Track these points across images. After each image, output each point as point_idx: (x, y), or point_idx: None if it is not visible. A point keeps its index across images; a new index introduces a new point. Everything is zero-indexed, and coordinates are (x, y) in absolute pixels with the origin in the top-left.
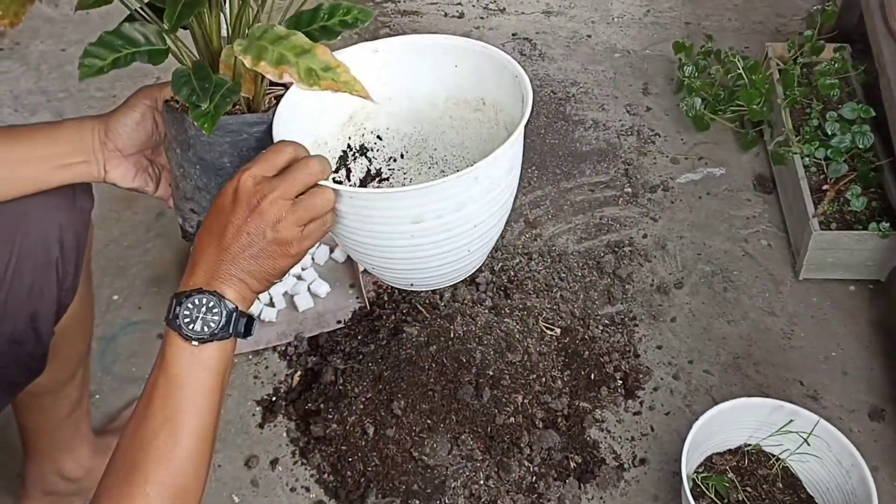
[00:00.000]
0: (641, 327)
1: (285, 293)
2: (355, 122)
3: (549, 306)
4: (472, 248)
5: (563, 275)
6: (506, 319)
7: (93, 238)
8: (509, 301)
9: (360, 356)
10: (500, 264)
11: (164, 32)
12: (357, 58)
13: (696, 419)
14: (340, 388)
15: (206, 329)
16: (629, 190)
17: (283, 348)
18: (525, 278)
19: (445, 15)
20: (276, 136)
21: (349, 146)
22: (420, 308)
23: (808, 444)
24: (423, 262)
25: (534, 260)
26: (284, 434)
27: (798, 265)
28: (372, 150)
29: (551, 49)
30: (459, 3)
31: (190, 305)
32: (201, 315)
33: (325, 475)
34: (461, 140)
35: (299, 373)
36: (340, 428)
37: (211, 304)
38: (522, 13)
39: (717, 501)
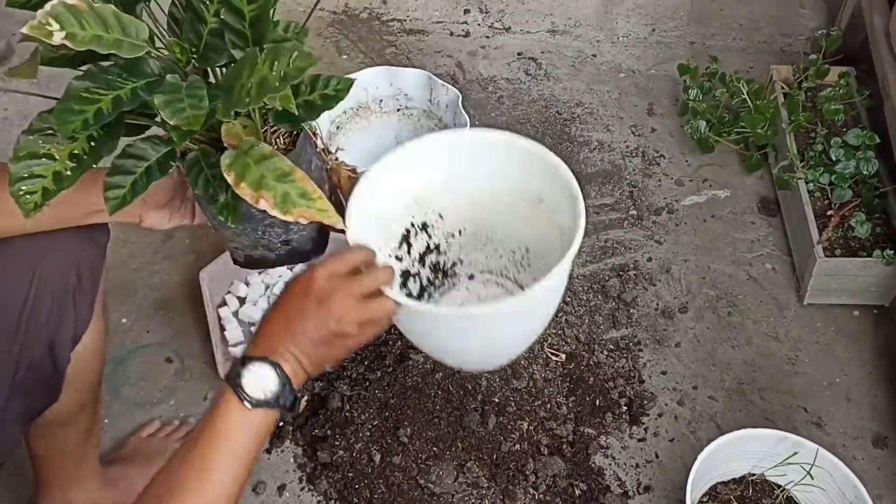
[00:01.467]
0: (646, 352)
1: None
2: (420, 202)
3: (554, 331)
4: (520, 344)
5: (569, 299)
6: None
7: (106, 269)
8: None
9: (367, 383)
10: None
11: (172, 143)
12: (431, 145)
13: (701, 446)
14: (347, 414)
15: (261, 395)
16: (634, 212)
17: None
18: None
19: (451, 34)
20: (349, 219)
21: (412, 224)
22: None
23: (812, 477)
24: (469, 355)
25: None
26: (292, 460)
27: (802, 290)
28: (433, 226)
29: (556, 69)
30: (465, 23)
31: (252, 368)
32: (259, 381)
33: (332, 501)
34: (517, 226)
35: (306, 398)
36: (347, 454)
37: (270, 373)
38: (528, 32)
39: None
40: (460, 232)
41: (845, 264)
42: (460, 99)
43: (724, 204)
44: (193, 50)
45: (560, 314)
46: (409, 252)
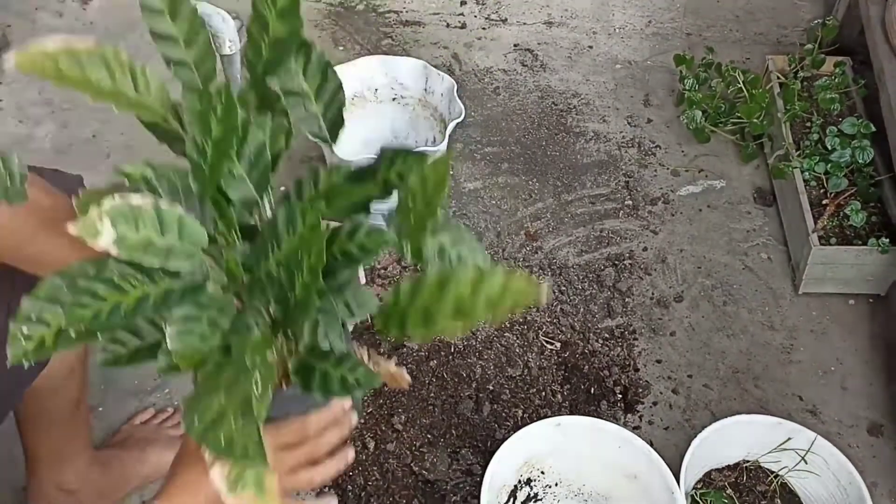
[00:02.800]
0: (641, 341)
1: None
2: (529, 464)
3: (549, 320)
4: None
5: (564, 288)
6: (506, 334)
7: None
8: (509, 315)
9: None
10: None
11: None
12: (541, 430)
13: (696, 434)
14: None
15: None
16: (630, 202)
17: None
18: None
19: (447, 25)
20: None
21: (519, 481)
22: None
23: (806, 462)
24: None
25: (534, 273)
26: None
27: (798, 279)
28: (534, 481)
29: (553, 60)
30: (461, 14)
31: None
32: None
33: (327, 488)
34: (608, 486)
35: None
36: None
37: None
38: (524, 24)
39: None
40: (557, 484)
41: (840, 253)
42: (455, 88)
43: (720, 194)
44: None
45: (555, 303)
46: (513, 502)
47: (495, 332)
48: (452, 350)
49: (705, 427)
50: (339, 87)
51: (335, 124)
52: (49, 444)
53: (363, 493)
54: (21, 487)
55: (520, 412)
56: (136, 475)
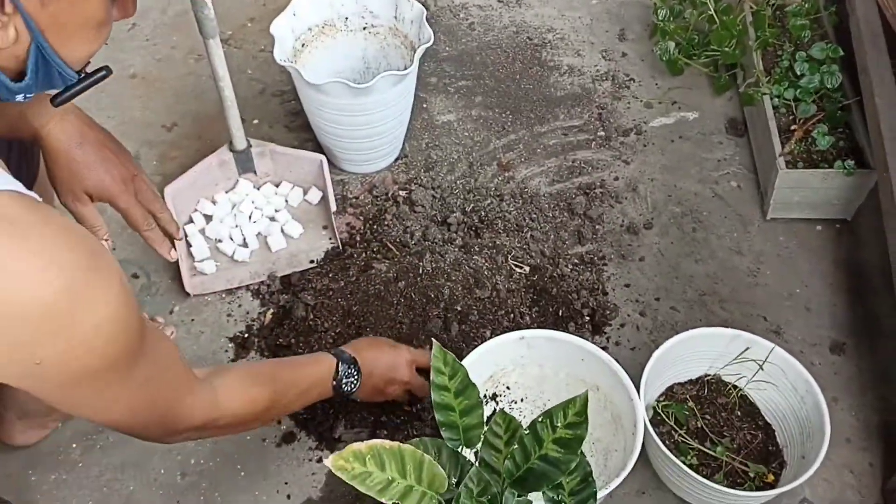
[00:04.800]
0: (610, 266)
1: (258, 234)
2: (494, 379)
3: (518, 245)
4: None
5: (535, 216)
6: (475, 257)
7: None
8: (479, 240)
9: (330, 292)
10: (472, 205)
11: None
12: (507, 340)
13: None
14: (311, 323)
15: (344, 389)
16: (602, 133)
17: (256, 287)
18: (496, 218)
19: None
20: None
21: (484, 395)
22: (391, 246)
23: (763, 370)
24: None
25: (505, 201)
26: None
27: (766, 205)
28: (500, 396)
29: None
30: None
31: (354, 374)
32: (351, 383)
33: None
34: None
35: (271, 310)
36: None
37: (354, 377)
38: None
39: (676, 429)
40: (522, 399)
41: (807, 176)
42: (425, 14)
43: (693, 125)
44: None
45: (525, 230)
46: None
47: (464, 256)
48: (421, 272)
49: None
50: None
51: None
52: None
53: (331, 411)
54: None
55: (488, 332)
56: None
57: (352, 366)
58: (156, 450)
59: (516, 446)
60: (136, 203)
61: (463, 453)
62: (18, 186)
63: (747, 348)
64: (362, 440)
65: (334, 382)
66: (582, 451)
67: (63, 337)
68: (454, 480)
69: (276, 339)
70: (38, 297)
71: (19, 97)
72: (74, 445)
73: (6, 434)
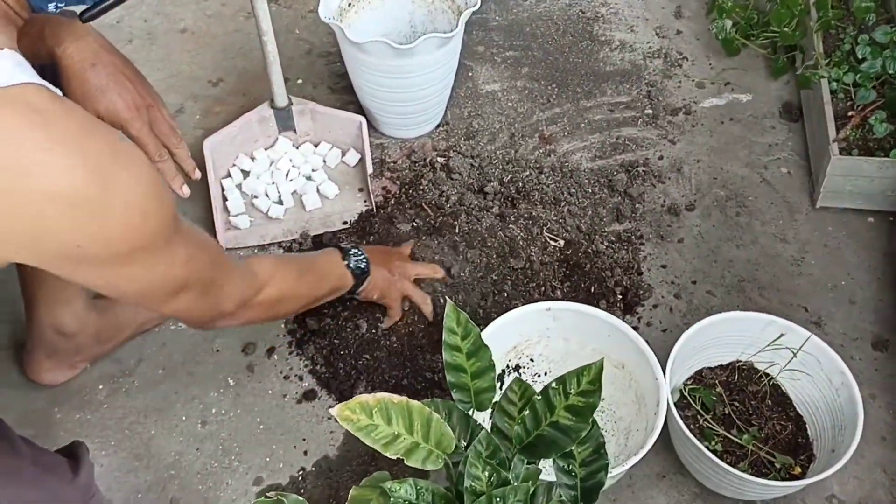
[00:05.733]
0: (648, 246)
1: (294, 192)
2: (518, 350)
3: (554, 218)
4: None
5: (573, 190)
6: (510, 226)
7: None
8: (515, 210)
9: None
10: (510, 176)
11: None
12: (533, 311)
13: None
14: None
15: (358, 266)
16: (650, 111)
17: (288, 245)
18: (533, 190)
19: None
20: None
21: (507, 366)
22: (426, 208)
23: (798, 359)
24: None
25: (544, 174)
26: (282, 325)
27: (816, 193)
28: (523, 368)
29: None
30: None
31: (358, 252)
32: (358, 260)
33: (318, 366)
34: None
35: None
36: (334, 322)
37: (365, 262)
38: None
39: (703, 413)
40: (546, 373)
41: (861, 164)
42: None
43: (745, 108)
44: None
45: (562, 204)
46: (500, 388)
47: (499, 223)
48: (457, 231)
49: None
50: None
51: None
52: (46, 286)
53: (353, 372)
54: (22, 345)
55: (519, 304)
56: (133, 322)
57: (356, 249)
58: (178, 397)
59: (528, 412)
60: (149, 132)
61: (474, 417)
62: (43, 81)
63: (782, 335)
64: None
65: (347, 263)
66: (595, 422)
67: (98, 218)
68: (463, 444)
69: None
70: (68, 184)
71: (51, 6)
72: (101, 387)
73: (34, 372)
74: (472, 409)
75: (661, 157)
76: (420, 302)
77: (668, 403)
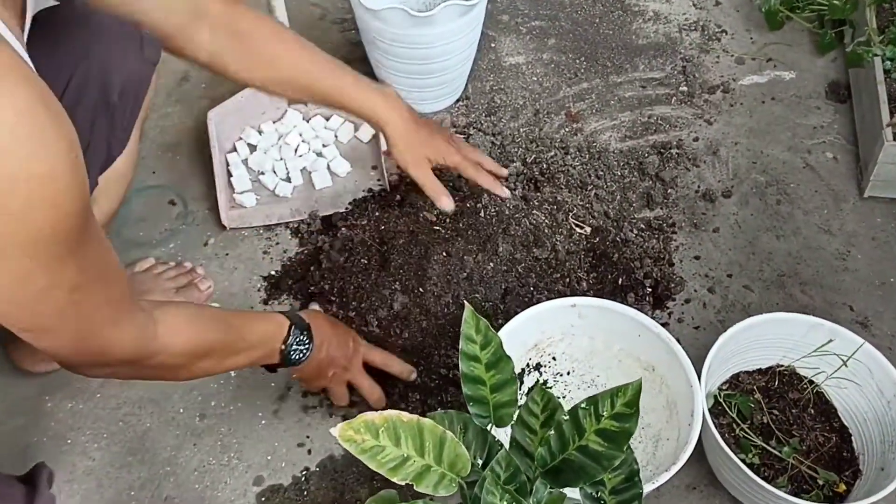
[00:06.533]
0: (680, 235)
1: (303, 169)
2: (539, 348)
3: (581, 203)
4: None
5: (601, 173)
6: (534, 212)
7: (150, 99)
8: (539, 194)
9: (371, 237)
10: (533, 156)
11: None
12: (557, 307)
13: None
14: (346, 266)
15: (291, 358)
16: (685, 89)
17: (296, 225)
18: (558, 172)
19: None
20: None
21: (528, 365)
22: None
23: (847, 367)
24: None
25: (570, 154)
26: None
27: (864, 181)
28: (545, 366)
29: None
30: None
31: (306, 340)
32: (302, 350)
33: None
34: (624, 379)
35: (307, 251)
36: (343, 314)
37: (305, 352)
38: None
39: (739, 422)
40: (569, 373)
41: None
42: None
43: (788, 86)
44: None
45: (589, 188)
46: (519, 388)
47: (523, 206)
48: (482, 215)
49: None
50: None
51: None
52: None
53: None
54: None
55: (543, 298)
56: None
57: (304, 333)
58: (176, 388)
59: (553, 432)
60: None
61: (492, 433)
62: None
63: (830, 340)
64: (392, 399)
65: (282, 347)
66: (629, 447)
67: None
68: (480, 462)
69: (308, 284)
70: None
71: None
72: None
73: (20, 359)
74: (490, 425)
75: (696, 139)
76: (367, 395)
77: (704, 414)
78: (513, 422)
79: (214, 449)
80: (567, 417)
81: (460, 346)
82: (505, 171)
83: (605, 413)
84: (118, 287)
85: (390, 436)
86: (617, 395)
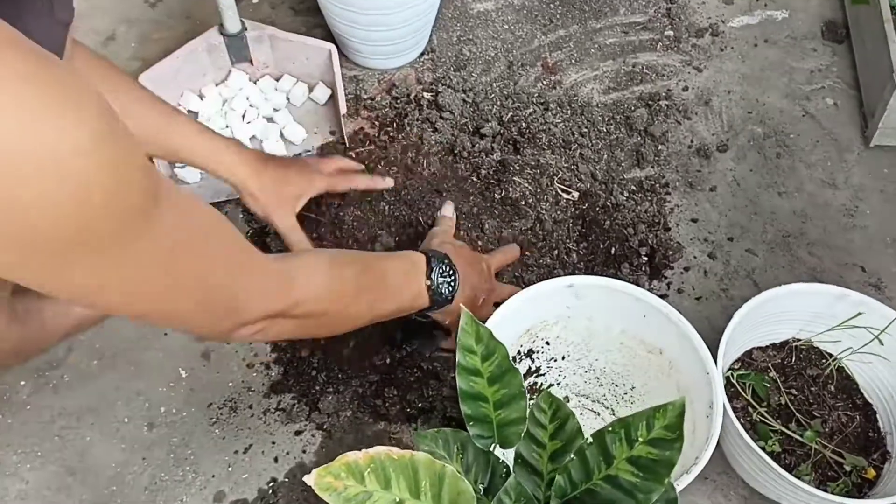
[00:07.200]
0: (675, 196)
1: (253, 137)
2: (531, 333)
3: (566, 166)
4: None
5: (585, 130)
6: (515, 178)
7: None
8: (519, 157)
9: (334, 209)
10: (510, 114)
11: None
12: (552, 288)
13: (734, 306)
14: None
15: (440, 290)
16: (670, 33)
17: None
18: (539, 131)
19: None
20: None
21: (519, 352)
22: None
23: (882, 343)
24: None
25: (550, 110)
26: None
27: (870, 129)
28: (537, 352)
29: None
30: None
31: (449, 268)
32: (449, 280)
33: (285, 353)
34: (625, 363)
35: (254, 231)
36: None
37: (451, 278)
38: None
39: (755, 405)
40: (564, 357)
41: None
42: None
43: (781, 27)
44: None
45: (573, 147)
46: None
47: (501, 173)
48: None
49: (746, 298)
50: None
51: None
52: None
53: (322, 364)
54: None
55: (532, 275)
56: (61, 328)
57: (445, 263)
58: (119, 394)
59: (574, 458)
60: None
61: (496, 452)
62: None
63: (859, 313)
64: (364, 397)
65: (428, 282)
66: (670, 481)
67: (35, 181)
68: (481, 487)
69: None
70: None
71: None
72: (23, 383)
73: None
74: (493, 445)
75: (685, 88)
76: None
77: (725, 406)
78: (524, 444)
79: (167, 462)
80: (591, 441)
81: (457, 359)
82: (359, 165)
83: (639, 438)
84: (227, 238)
85: (378, 478)
86: (655, 417)
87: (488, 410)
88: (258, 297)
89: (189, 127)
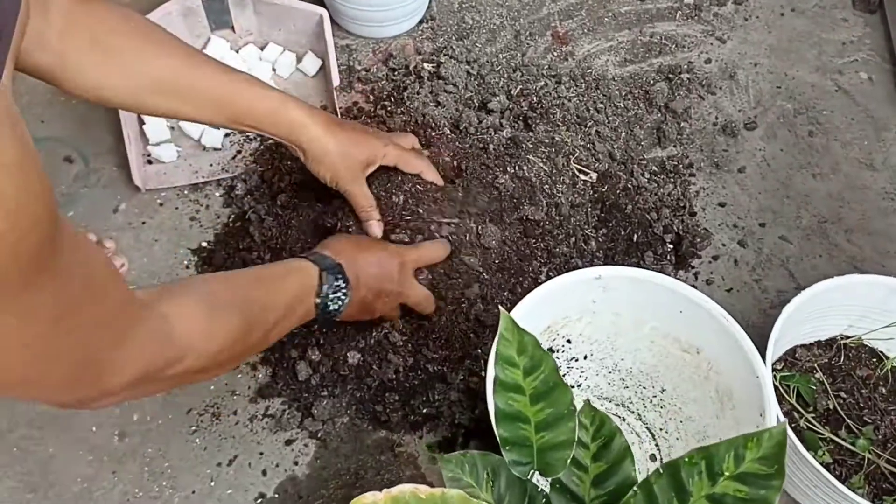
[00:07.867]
0: (700, 178)
1: None
2: (552, 330)
3: (582, 144)
4: None
5: (601, 105)
6: (528, 156)
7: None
8: (531, 134)
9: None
10: (519, 87)
11: None
12: (577, 280)
13: (768, 299)
14: (280, 236)
15: (328, 308)
16: (690, 1)
17: (229, 182)
18: (552, 106)
19: None
20: None
21: None
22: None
23: None
24: None
25: (563, 84)
26: None
27: None
28: (557, 351)
29: None
30: None
31: (341, 282)
32: (338, 298)
33: (273, 354)
34: (655, 363)
35: (235, 215)
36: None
37: (344, 295)
38: None
39: (801, 410)
40: (586, 357)
41: None
42: None
43: None
44: None
45: (589, 123)
46: None
47: (514, 153)
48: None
49: (780, 290)
50: None
51: None
52: None
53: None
54: None
55: (548, 264)
56: None
57: (337, 275)
58: None
59: (638, 493)
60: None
61: (533, 480)
62: None
63: None
64: (363, 402)
65: (317, 300)
66: None
67: None
68: None
69: (248, 252)
70: None
71: None
72: None
73: None
74: (531, 472)
75: (708, 61)
76: (423, 310)
77: (778, 416)
78: (566, 468)
79: (140, 477)
80: (661, 473)
81: (495, 373)
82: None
83: (724, 472)
84: (114, 293)
85: None
86: (746, 447)
87: (529, 433)
88: (135, 361)
89: (237, 76)
